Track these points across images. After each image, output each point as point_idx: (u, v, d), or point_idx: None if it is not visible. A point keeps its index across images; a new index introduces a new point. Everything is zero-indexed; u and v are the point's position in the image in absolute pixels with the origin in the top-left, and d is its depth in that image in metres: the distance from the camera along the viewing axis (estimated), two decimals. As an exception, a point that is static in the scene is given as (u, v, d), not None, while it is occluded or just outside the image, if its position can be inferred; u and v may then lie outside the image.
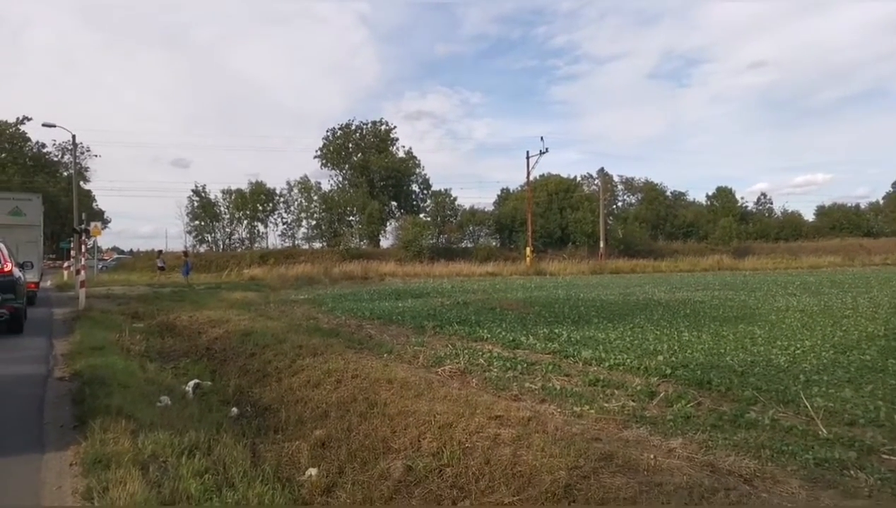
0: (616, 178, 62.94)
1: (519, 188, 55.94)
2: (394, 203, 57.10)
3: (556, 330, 10.02)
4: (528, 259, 40.92)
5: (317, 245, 53.50)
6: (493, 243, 53.10)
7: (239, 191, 53.44)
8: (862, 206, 67.04)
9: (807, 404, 4.99)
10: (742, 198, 64.32)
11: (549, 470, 3.75)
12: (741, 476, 3.64)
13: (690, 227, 59.17)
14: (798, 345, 8.12)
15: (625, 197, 65.05)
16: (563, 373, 6.81)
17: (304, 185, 55.01)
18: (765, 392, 5.56)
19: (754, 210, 65.06)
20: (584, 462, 3.83)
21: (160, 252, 36.61)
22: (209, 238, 54.24)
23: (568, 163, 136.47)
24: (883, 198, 67.99)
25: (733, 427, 4.60)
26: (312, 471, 4.62)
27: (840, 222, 62.74)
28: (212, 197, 53.70)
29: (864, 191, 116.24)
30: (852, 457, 3.90)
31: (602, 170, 54.27)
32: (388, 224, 54.85)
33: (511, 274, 35.62)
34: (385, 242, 53.75)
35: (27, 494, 3.94)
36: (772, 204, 67.06)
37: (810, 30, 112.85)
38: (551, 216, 52.17)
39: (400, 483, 4.15)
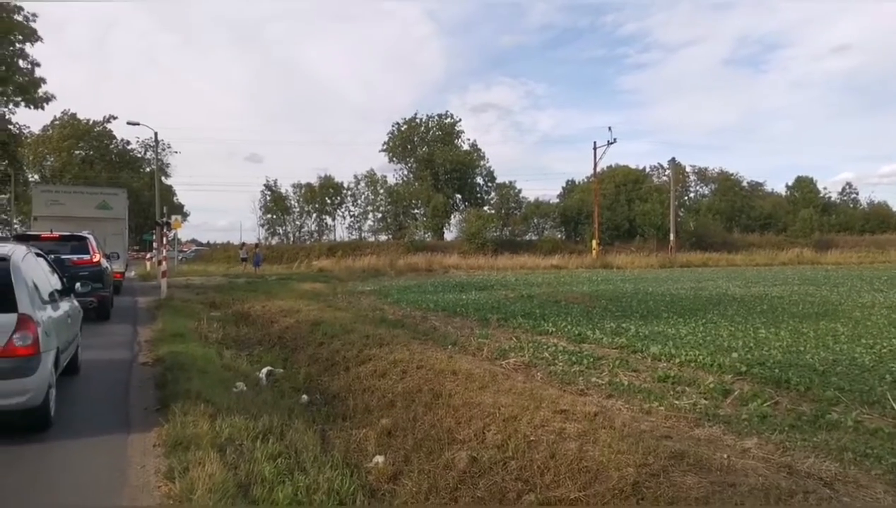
0: (688, 169, 60.73)
1: (585, 179, 54.94)
2: (458, 195, 57.24)
3: (624, 325, 9.83)
4: (594, 252, 40.15)
5: (382, 237, 54.33)
6: (559, 236, 52.40)
7: (308, 185, 54.89)
8: (960, 196, 62.15)
9: (894, 405, 4.70)
10: (824, 189, 60.92)
11: (616, 467, 3.70)
12: (821, 479, 3.48)
13: (768, 219, 56.47)
14: (885, 344, 7.66)
15: (697, 187, 62.75)
16: (630, 369, 6.68)
17: (371, 179, 55.93)
18: (848, 392, 5.28)
19: (838, 201, 61.48)
20: (654, 459, 3.75)
21: (244, 244, 38.05)
22: (280, 230, 56.07)
23: (637, 154, 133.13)
24: None
25: (813, 429, 4.40)
26: (379, 459, 4.72)
27: (934, 213, 58.41)
28: (283, 191, 55.45)
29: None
30: (947, 464, 3.66)
31: (673, 159, 52.25)
32: (452, 216, 55.08)
33: (576, 268, 35.08)
34: (449, 235, 54.04)
35: (114, 471, 4.21)
36: (857, 194, 63.22)
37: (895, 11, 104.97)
38: (618, 208, 50.97)
39: (465, 473, 4.19)
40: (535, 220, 53.18)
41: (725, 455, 3.79)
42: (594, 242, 41.08)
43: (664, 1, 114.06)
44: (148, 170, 54.46)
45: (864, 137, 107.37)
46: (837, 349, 7.47)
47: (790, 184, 61.50)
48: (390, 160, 58.48)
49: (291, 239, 55.45)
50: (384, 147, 58.25)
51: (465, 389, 5.84)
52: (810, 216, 52.14)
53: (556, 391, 5.67)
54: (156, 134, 34.57)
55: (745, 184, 60.97)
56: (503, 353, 7.65)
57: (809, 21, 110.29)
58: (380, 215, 56.29)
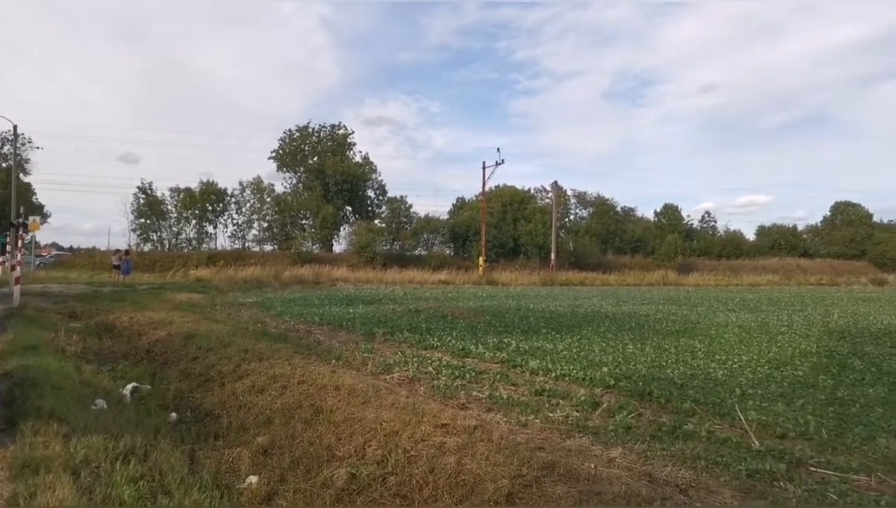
0: (569, 192, 64.00)
1: (474, 198, 56.29)
2: (348, 208, 56.65)
3: (506, 340, 10.12)
4: (480, 268, 41.19)
5: (268, 248, 52.55)
6: (447, 251, 53.21)
7: (188, 190, 52.03)
8: (800, 228, 70.17)
9: (741, 417, 5.18)
10: (688, 216, 66.33)
11: (492, 479, 3.78)
12: (677, 485, 3.76)
13: (638, 242, 60.64)
14: (735, 360, 8.42)
15: (577, 210, 66.22)
16: (510, 383, 6.88)
17: (257, 186, 53.95)
18: (702, 404, 5.75)
19: (699, 228, 67.15)
20: (527, 470, 3.88)
21: (117, 250, 35.06)
22: (155, 237, 52.60)
23: (524, 176, 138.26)
24: (820, 221, 71.35)
25: (671, 438, 4.74)
26: (253, 479, 4.52)
27: (779, 242, 65.44)
28: (159, 194, 52.16)
29: (803, 214, 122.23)
30: (782, 469, 4.07)
31: (556, 183, 54.99)
32: (341, 229, 54.35)
33: (463, 283, 35.77)
34: (338, 247, 53.24)
35: (-55, 501, 3.72)
36: (715, 222, 69.38)
37: (758, 56, 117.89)
38: (505, 227, 52.67)
39: (343, 491, 4.11)
40: (425, 236, 53.69)
41: (593, 465, 3.99)
42: (481, 259, 42.17)
43: (553, 32, 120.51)
44: (4, 165, 49.20)
45: (724, 170, 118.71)
46: (695, 364, 8.12)
47: (658, 210, 66.41)
48: (279, 168, 56.82)
49: (167, 246, 52.18)
50: (273, 154, 56.57)
51: (348, 404, 5.75)
52: (675, 241, 56.54)
53: (438, 405, 5.72)
54: (15, 127, 31.40)
55: (619, 209, 65.16)
56: (388, 368, 7.62)
57: (682, 60, 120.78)
58: (266, 224, 54.41)
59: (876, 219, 68.32)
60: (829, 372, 7.71)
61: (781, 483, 3.83)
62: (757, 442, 4.60)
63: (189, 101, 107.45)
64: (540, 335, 11.06)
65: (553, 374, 7.24)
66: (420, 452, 4.37)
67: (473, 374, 7.27)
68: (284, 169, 56.74)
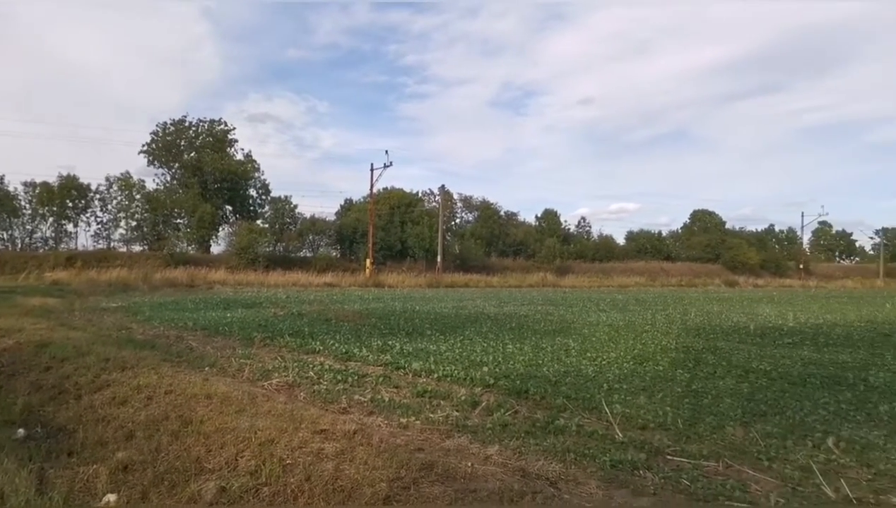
0: (456, 196, 65.23)
1: (362, 199, 55.88)
2: (228, 207, 54.08)
3: (390, 342, 10.10)
4: (367, 270, 40.91)
5: (137, 248, 48.95)
6: (334, 253, 52.36)
7: (45, 185, 47.32)
8: (664, 233, 76.01)
9: (607, 410, 5.50)
10: (566, 221, 69.85)
11: (370, 483, 3.75)
12: (548, 479, 3.91)
13: (520, 246, 62.93)
14: (604, 357, 8.95)
15: (463, 214, 67.59)
16: (393, 385, 6.86)
17: (126, 183, 50.03)
18: (573, 400, 6.04)
19: (575, 232, 70.87)
20: (406, 472, 3.88)
21: None
22: (5, 235, 47.38)
23: (412, 179, 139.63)
24: (681, 228, 77.65)
25: (544, 434, 4.94)
26: (111, 497, 4.18)
27: (645, 247, 70.52)
28: (11, 189, 47.03)
29: (667, 220, 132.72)
30: (642, 458, 4.36)
31: (443, 187, 56.03)
32: (220, 229, 51.82)
33: (350, 286, 35.36)
34: (216, 248, 50.70)
35: None
36: (590, 227, 73.47)
37: (630, 74, 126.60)
38: (392, 229, 52.69)
39: (211, 505, 3.90)
40: (311, 237, 52.51)
41: (470, 464, 4.07)
42: (368, 261, 41.91)
43: (441, 39, 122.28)
44: None
45: (599, 179, 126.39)
46: (568, 361, 8.53)
47: (539, 215, 69.42)
48: (150, 163, 53.10)
49: (19, 245, 47.19)
50: (145, 148, 52.77)
51: (220, 414, 5.47)
52: (553, 245, 59.26)
53: (317, 410, 5.59)
54: None
55: (503, 213, 67.27)
56: (266, 374, 7.34)
57: (562, 74, 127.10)
58: (134, 223, 50.66)
59: (729, 226, 75.54)
60: (686, 366, 8.38)
61: (641, 472, 4.10)
62: (621, 434, 4.90)
63: (48, 88, 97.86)
64: (424, 336, 11.15)
65: (436, 375, 7.31)
66: (297, 460, 4.24)
67: (356, 378, 7.18)
68: (157, 164, 53.15)
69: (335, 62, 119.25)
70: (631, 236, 73.89)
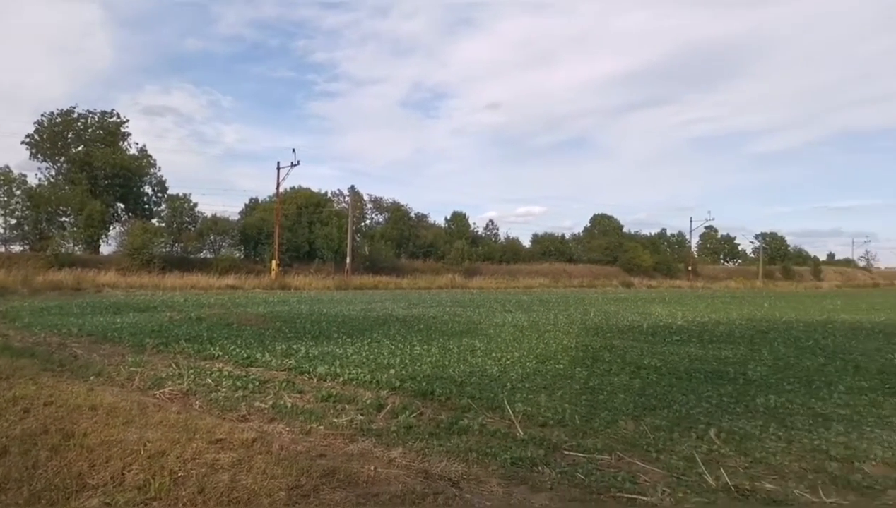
0: (366, 197, 64.64)
1: (268, 199, 54.17)
2: (120, 205, 50.77)
3: (295, 346, 9.85)
4: (273, 272, 39.72)
5: (16, 248, 44.95)
6: (237, 255, 50.37)
7: None
8: (566, 236, 78.92)
9: (509, 409, 5.64)
10: (474, 224, 70.95)
11: (268, 493, 3.63)
12: (450, 479, 3.95)
13: (430, 247, 63.28)
14: (509, 357, 9.17)
15: (373, 215, 67.10)
16: (296, 390, 6.70)
17: (5, 177, 45.86)
18: (478, 400, 6.14)
19: (483, 235, 72.18)
20: (306, 480, 3.80)
21: None
22: None
23: (321, 179, 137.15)
24: (582, 231, 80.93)
25: (448, 434, 4.99)
26: (-24, 523, 3.80)
27: (549, 249, 72.92)
28: None
29: (570, 224, 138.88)
30: (541, 455, 4.50)
31: (353, 187, 55.25)
32: (111, 228, 48.56)
33: (254, 288, 34.19)
34: (107, 249, 47.45)
35: None
36: (498, 230, 75.06)
37: (536, 81, 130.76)
38: (300, 230, 51.43)
39: (94, 524, 3.63)
40: (212, 237, 50.24)
41: (373, 468, 4.04)
42: (274, 263, 40.68)
43: (352, 37, 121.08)
44: None
45: (506, 182, 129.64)
46: (474, 362, 8.67)
47: (448, 217, 70.17)
48: (34, 156, 48.93)
49: None
50: (28, 140, 48.56)
51: (106, 426, 5.12)
52: (462, 247, 60.06)
53: (214, 419, 5.36)
54: None
55: (413, 215, 67.44)
56: (159, 382, 6.95)
57: (471, 78, 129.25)
58: (14, 221, 46.51)
59: (626, 230, 79.48)
60: (585, 364, 8.73)
61: (540, 468, 4.23)
62: (521, 432, 5.03)
63: None
64: (331, 340, 10.97)
65: (341, 379, 7.21)
66: (189, 472, 4.04)
67: (257, 384, 6.95)
68: (41, 157, 49.08)
69: (240, 55, 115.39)
70: (536, 239, 76.15)
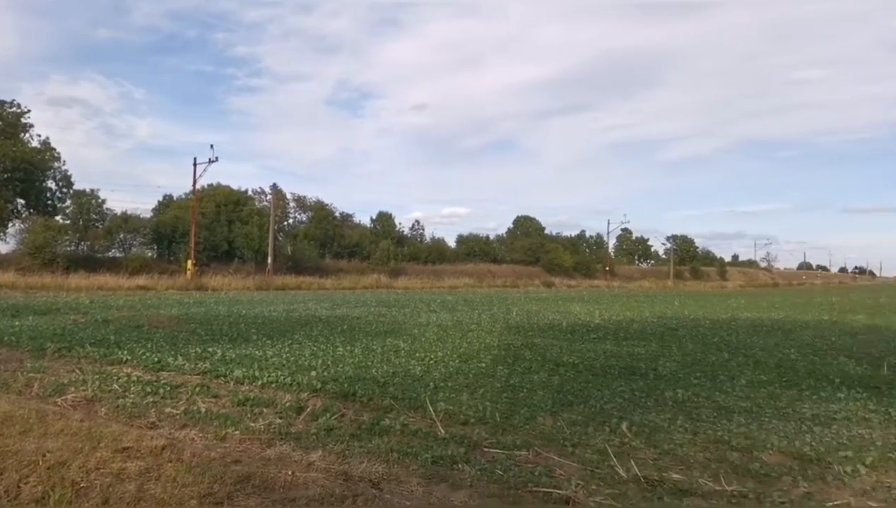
0: (289, 195, 63.17)
1: (184, 196, 51.92)
2: (20, 200, 47.34)
3: (211, 349, 9.50)
4: (188, 273, 38.12)
5: None
6: (150, 254, 48.00)
7: None
8: (491, 237, 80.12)
9: (430, 409, 5.66)
10: (400, 224, 70.89)
11: (178, 502, 3.48)
12: (370, 480, 3.93)
13: (355, 248, 62.60)
14: (432, 356, 9.21)
15: (296, 214, 65.68)
16: (211, 395, 6.46)
17: None
18: (400, 400, 6.14)
19: (409, 235, 72.17)
20: (220, 487, 3.67)
21: None
22: None
23: (242, 176, 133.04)
24: (506, 232, 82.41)
25: (369, 435, 4.95)
26: None
27: (474, 249, 73.81)
28: None
29: (494, 225, 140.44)
30: (461, 453, 4.54)
31: (274, 185, 53.89)
32: (10, 225, 45.18)
33: (168, 289, 32.70)
34: (5, 247, 44.12)
35: None
36: (423, 230, 75.30)
37: (462, 84, 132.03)
38: (218, 228, 49.63)
39: (-18, 543, 3.37)
40: (122, 236, 47.71)
41: (291, 472, 3.96)
42: (189, 262, 39.05)
43: (275, 32, 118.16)
44: None
45: (433, 183, 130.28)
46: (398, 362, 8.65)
47: (374, 217, 69.73)
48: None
49: None
50: (-89, 129, 44.43)
51: (0, 436, 4.76)
52: (388, 247, 59.82)
53: (121, 427, 5.09)
54: None
55: (338, 214, 66.53)
56: (60, 389, 6.53)
57: (398, 79, 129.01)
58: None
59: (548, 231, 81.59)
60: (506, 362, 8.90)
61: (460, 466, 4.27)
62: (443, 430, 5.07)
63: None
64: (250, 342, 10.65)
65: (259, 382, 7.01)
66: (93, 482, 3.81)
67: (169, 389, 6.65)
68: (-74, 148, 45.00)
69: (154, 46, 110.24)
70: (461, 239, 76.90)
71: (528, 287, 55.75)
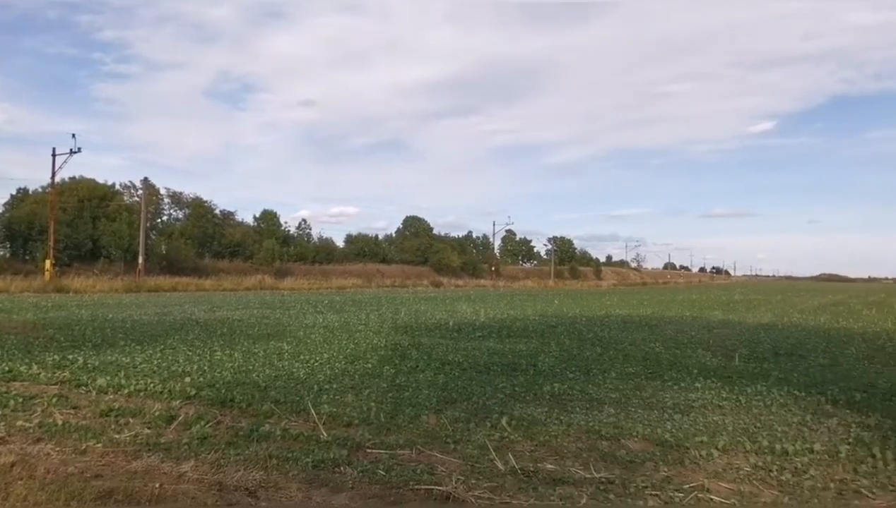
0: (163, 191, 59.39)
1: (42, 189, 47.33)
2: None
3: (71, 356, 8.73)
4: (47, 273, 34.80)
5: None
6: (1, 253, 43.43)
7: None
8: (380, 237, 79.97)
9: (313, 411, 5.55)
10: (286, 223, 68.96)
11: (27, 524, 3.17)
12: (247, 489, 3.78)
13: (237, 247, 60.06)
14: (317, 358, 9.03)
15: (172, 211, 61.93)
16: (70, 405, 5.94)
17: None
18: (282, 404, 5.96)
19: (296, 234, 70.39)
20: (77, 504, 3.40)
21: None
22: None
23: (110, 169, 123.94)
24: (395, 232, 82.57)
25: (247, 442, 4.77)
26: None
27: (363, 249, 73.35)
28: None
29: (383, 224, 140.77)
30: (344, 455, 4.49)
31: (146, 179, 50.31)
32: None
33: (22, 292, 29.66)
34: None
35: None
36: (311, 229, 73.78)
37: (350, 81, 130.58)
38: (81, 225, 45.75)
39: None
40: (-34, 232, 42.77)
41: (159, 484, 3.73)
42: (48, 262, 35.67)
43: (147, 16, 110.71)
44: None
45: (320, 181, 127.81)
46: (280, 365, 8.41)
47: (257, 216, 67.26)
48: None
49: None
50: None
51: None
52: (273, 246, 58.01)
53: (-41, 445, 4.55)
54: None
55: (218, 212, 63.51)
56: None
57: (283, 72, 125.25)
58: None
59: (436, 232, 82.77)
60: (393, 362, 8.91)
61: (342, 468, 4.22)
62: (325, 434, 4.98)
63: None
64: (116, 348, 9.91)
65: (126, 391, 6.54)
66: (-79, 510, 3.39)
67: (21, 400, 6.04)
68: None
69: (7, 25, 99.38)
70: (350, 239, 76.18)
71: (416, 287, 56.12)
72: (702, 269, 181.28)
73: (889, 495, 3.91)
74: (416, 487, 3.89)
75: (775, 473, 4.28)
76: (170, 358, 8.92)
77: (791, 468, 4.38)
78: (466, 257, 79.86)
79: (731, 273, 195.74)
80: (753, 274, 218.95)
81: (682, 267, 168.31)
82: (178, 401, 6.09)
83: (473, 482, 4.01)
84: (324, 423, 5.26)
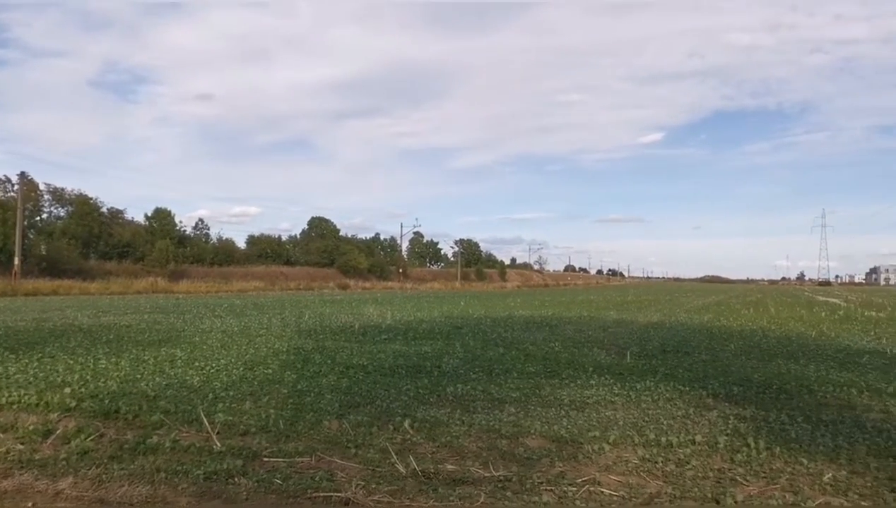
0: (42, 186, 54.78)
1: None
2: None
3: (-72, 369, 7.87)
4: None
5: None
6: None
7: None
8: (284, 238, 77.85)
9: (205, 421, 5.31)
10: (181, 222, 65.55)
11: None
12: (131, 505, 3.57)
13: (127, 247, 56.42)
14: (214, 365, 8.65)
15: (52, 208, 57.25)
16: (-74, 423, 5.35)
17: None
18: (173, 414, 5.66)
19: (192, 234, 67.11)
20: (-69, 534, 3.05)
21: None
22: None
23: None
24: (300, 233, 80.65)
25: (133, 456, 4.49)
26: None
27: (266, 251, 71.12)
28: None
29: (288, 226, 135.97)
30: (239, 465, 4.32)
31: (23, 174, 46.19)
32: None
33: None
34: None
35: None
36: (209, 230, 70.66)
37: (252, 78, 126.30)
38: (-55, 223, 41.41)
39: None
40: None
41: (32, 504, 3.44)
42: None
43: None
44: None
45: (219, 180, 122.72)
46: (173, 373, 7.97)
47: (150, 214, 63.50)
48: None
49: None
50: None
51: None
52: (167, 247, 54.96)
53: None
54: None
55: (105, 210, 59.44)
56: None
57: (179, 65, 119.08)
58: None
59: (343, 233, 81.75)
60: (295, 367, 8.69)
61: (237, 479, 4.06)
62: (219, 444, 4.78)
63: None
64: (-16, 358, 9.03)
65: (-5, 404, 5.98)
66: None
67: None
68: None
69: None
70: (252, 240, 73.64)
71: (322, 289, 55.10)
72: (599, 271, 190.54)
73: (761, 481, 4.25)
74: (314, 495, 3.81)
75: (660, 465, 4.55)
76: (48, 367, 8.25)
77: (675, 459, 4.67)
78: (374, 259, 79.33)
79: (626, 275, 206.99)
80: (646, 275, 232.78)
81: (581, 270, 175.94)
82: (55, 414, 5.64)
83: (374, 486, 3.99)
84: (218, 433, 5.04)
